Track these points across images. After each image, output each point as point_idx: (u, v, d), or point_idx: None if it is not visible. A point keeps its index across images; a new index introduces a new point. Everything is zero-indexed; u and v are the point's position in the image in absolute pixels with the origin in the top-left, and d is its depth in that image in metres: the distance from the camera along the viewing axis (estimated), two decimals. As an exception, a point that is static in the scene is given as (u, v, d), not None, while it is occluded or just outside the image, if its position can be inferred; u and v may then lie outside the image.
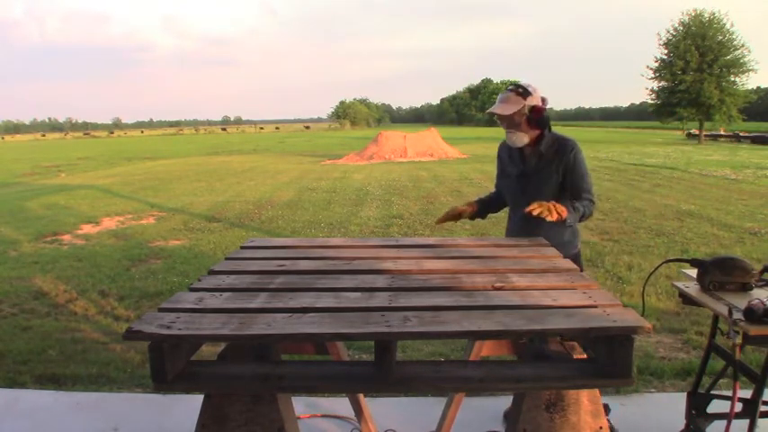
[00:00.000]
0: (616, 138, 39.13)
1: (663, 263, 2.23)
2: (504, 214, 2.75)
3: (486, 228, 7.20)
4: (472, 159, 20.07)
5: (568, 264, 1.96)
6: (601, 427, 1.57)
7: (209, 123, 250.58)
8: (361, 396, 2.24)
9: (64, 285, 5.09)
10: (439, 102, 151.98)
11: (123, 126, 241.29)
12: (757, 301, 1.71)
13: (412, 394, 2.76)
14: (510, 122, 2.33)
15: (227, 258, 2.14)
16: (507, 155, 2.55)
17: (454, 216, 2.62)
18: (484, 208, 2.69)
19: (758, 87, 49.77)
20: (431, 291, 1.70)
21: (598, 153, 21.95)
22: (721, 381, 2.30)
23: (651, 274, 2.23)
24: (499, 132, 2.42)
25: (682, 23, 31.10)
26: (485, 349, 2.05)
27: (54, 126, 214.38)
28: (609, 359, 1.40)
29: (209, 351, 3.06)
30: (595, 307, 1.50)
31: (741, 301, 1.78)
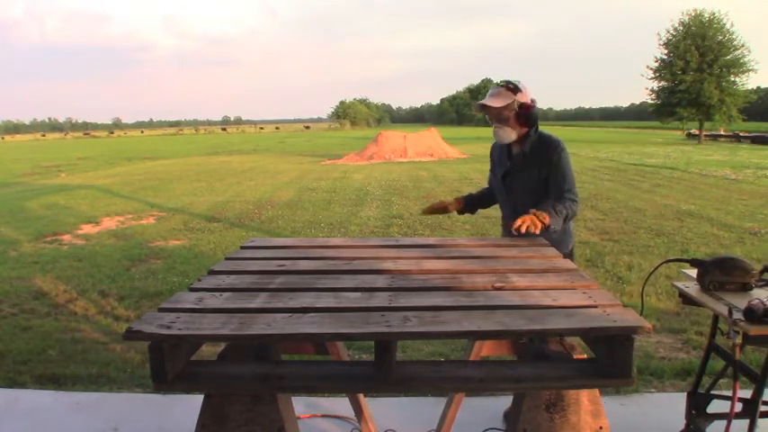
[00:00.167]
0: (616, 138, 39.14)
1: (663, 263, 2.23)
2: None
3: (486, 228, 7.20)
4: (472, 159, 20.06)
5: (568, 264, 1.96)
6: (601, 427, 1.57)
7: (209, 123, 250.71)
8: (361, 396, 2.24)
9: (64, 285, 5.09)
10: (439, 102, 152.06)
11: (123, 126, 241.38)
12: (757, 301, 1.71)
13: (412, 394, 2.77)
14: (498, 117, 2.34)
15: (227, 258, 2.14)
16: (497, 154, 2.58)
17: (440, 209, 2.66)
18: (472, 203, 2.72)
19: (758, 87, 49.76)
20: (431, 291, 1.70)
21: (598, 153, 21.95)
22: (721, 381, 2.30)
23: (651, 274, 2.23)
24: (499, 133, 2.43)
25: (682, 23, 31.11)
26: (485, 349, 2.05)
27: (54, 126, 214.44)
28: (609, 359, 1.40)
29: (209, 351, 3.06)
30: (595, 307, 1.50)
31: (741, 301, 1.78)
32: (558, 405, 1.56)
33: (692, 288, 2.01)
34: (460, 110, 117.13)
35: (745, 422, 1.94)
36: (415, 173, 15.49)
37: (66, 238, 7.52)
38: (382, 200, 10.35)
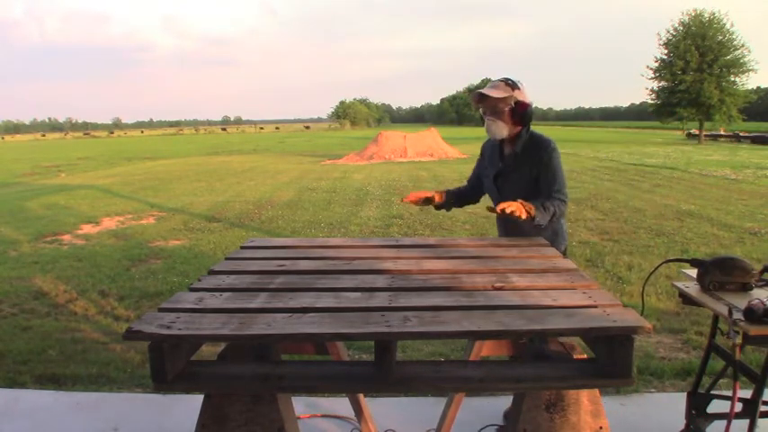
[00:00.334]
0: (616, 138, 39.13)
1: (663, 263, 2.23)
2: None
3: (486, 228, 7.20)
4: (472, 159, 19.87)
5: (568, 264, 1.96)
6: (601, 427, 1.57)
7: (209, 123, 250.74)
8: (361, 396, 2.24)
9: (64, 285, 5.09)
10: (439, 102, 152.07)
11: (123, 126, 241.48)
12: (757, 301, 1.71)
13: (412, 394, 2.76)
14: (494, 109, 2.34)
15: (227, 258, 2.14)
16: (489, 153, 2.57)
17: (423, 199, 2.59)
18: (451, 200, 2.69)
19: (758, 87, 49.73)
20: (431, 291, 1.70)
21: (598, 153, 21.93)
22: (721, 381, 2.30)
23: (651, 274, 2.23)
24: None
25: (682, 23, 31.11)
26: (485, 349, 2.05)
27: (54, 126, 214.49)
28: (609, 359, 1.40)
29: (209, 351, 3.06)
30: (595, 307, 1.50)
31: (741, 301, 1.78)
32: (558, 405, 1.56)
33: (692, 288, 2.01)
34: (460, 110, 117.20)
35: (745, 422, 1.94)
36: (415, 173, 15.49)
37: (66, 238, 7.52)
38: (382, 200, 10.35)
